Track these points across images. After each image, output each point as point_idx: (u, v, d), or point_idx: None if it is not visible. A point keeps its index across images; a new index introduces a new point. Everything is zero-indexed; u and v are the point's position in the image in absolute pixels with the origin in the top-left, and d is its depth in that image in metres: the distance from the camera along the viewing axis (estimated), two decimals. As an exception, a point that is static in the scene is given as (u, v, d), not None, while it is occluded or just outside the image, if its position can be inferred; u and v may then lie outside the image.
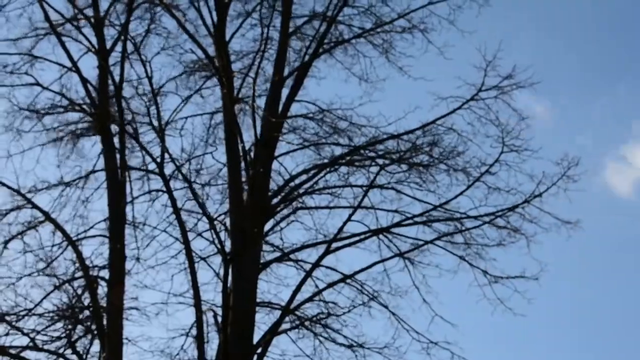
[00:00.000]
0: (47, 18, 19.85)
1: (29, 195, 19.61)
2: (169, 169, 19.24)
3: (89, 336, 19.10)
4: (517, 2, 28.74)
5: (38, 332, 18.92)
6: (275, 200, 19.47)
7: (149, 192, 19.97)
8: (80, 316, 19.21)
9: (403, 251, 19.47)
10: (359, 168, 19.84)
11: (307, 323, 19.13)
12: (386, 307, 19.36)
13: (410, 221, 19.44)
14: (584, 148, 30.45)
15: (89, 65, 20.12)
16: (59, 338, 19.01)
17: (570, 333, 29.90)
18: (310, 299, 19.13)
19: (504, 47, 19.48)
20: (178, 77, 20.57)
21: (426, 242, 19.41)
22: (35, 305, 19.08)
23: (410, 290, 19.47)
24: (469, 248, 19.43)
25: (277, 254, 19.59)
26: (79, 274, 19.26)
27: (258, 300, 18.88)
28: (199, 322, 18.23)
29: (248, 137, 19.63)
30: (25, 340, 18.86)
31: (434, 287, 19.48)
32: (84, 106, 20.10)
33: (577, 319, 30.22)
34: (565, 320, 29.68)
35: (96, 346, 18.93)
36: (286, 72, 20.13)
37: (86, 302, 19.23)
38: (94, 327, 18.85)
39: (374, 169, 19.63)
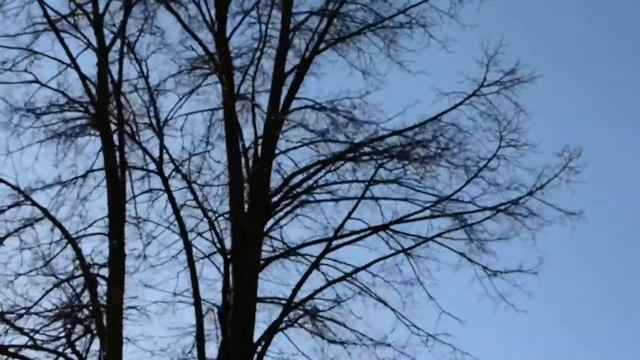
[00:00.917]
0: (45, 14, 19.75)
1: (27, 193, 19.51)
2: (169, 168, 19.21)
3: (89, 335, 18.99)
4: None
5: (37, 331, 18.81)
6: (275, 198, 19.40)
7: (149, 190, 19.88)
8: (80, 315, 19.09)
9: (405, 247, 19.37)
10: (360, 164, 19.73)
11: (308, 320, 19.03)
12: (387, 304, 19.30)
13: (410, 217, 19.34)
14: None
15: (88, 62, 20.02)
16: (58, 337, 18.91)
17: (574, 326, 29.85)
18: (311, 297, 19.08)
19: (505, 42, 19.46)
20: (177, 75, 20.43)
21: (427, 239, 19.33)
22: (34, 304, 18.97)
23: (412, 287, 19.43)
24: (471, 243, 19.35)
25: (278, 252, 19.48)
26: (79, 272, 19.15)
27: (260, 296, 18.80)
28: (199, 321, 18.20)
29: (248, 134, 19.61)
30: (24, 339, 18.78)
31: (436, 283, 19.46)
32: (83, 104, 19.99)
33: (579, 312, 30.16)
34: (569, 314, 29.59)
35: (96, 345, 18.86)
36: (287, 68, 20.04)
37: (85, 300, 19.12)
38: (93, 326, 18.76)
39: (375, 165, 19.53)
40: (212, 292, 19.14)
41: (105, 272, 18.97)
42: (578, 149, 19.48)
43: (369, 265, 19.27)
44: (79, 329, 19.06)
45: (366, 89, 20.24)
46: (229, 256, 18.53)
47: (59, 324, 18.95)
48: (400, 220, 19.35)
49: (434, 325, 19.23)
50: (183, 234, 18.59)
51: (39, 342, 18.77)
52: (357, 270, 19.22)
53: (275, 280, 19.45)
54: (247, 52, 20.46)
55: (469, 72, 19.65)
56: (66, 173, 20.03)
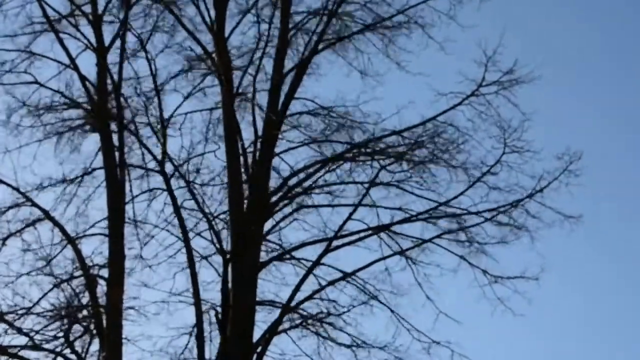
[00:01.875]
0: (45, 14, 19.75)
1: (28, 193, 19.51)
2: (169, 167, 19.21)
3: (88, 335, 19.03)
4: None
5: (37, 332, 18.87)
6: (274, 198, 19.40)
7: (149, 190, 19.87)
8: (80, 315, 19.15)
9: (404, 249, 19.39)
10: (359, 164, 19.75)
11: (307, 321, 19.07)
12: (387, 305, 19.31)
13: (411, 219, 19.36)
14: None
15: (88, 63, 20.03)
16: (57, 337, 18.94)
17: (571, 331, 29.87)
18: (310, 297, 19.10)
19: (504, 42, 19.46)
20: (177, 75, 20.43)
21: (426, 240, 19.34)
22: (34, 304, 19.02)
23: (411, 289, 19.44)
24: (471, 246, 19.36)
25: (277, 253, 19.49)
26: (78, 272, 19.19)
27: (258, 299, 18.84)
28: (199, 321, 18.24)
29: (248, 134, 19.62)
30: (24, 340, 18.86)
31: (435, 286, 19.46)
32: (83, 104, 19.99)
33: (580, 315, 30.17)
34: (569, 317, 29.62)
35: (95, 345, 18.92)
36: (286, 68, 20.05)
37: (85, 301, 19.15)
38: (93, 326, 18.80)
39: (375, 166, 19.55)
40: (210, 292, 19.17)
41: (105, 272, 19.01)
42: (578, 152, 19.54)
43: (367, 266, 19.28)
44: (78, 329, 19.15)
45: (365, 89, 20.30)
46: (228, 256, 18.53)
47: (58, 324, 19.01)
48: (400, 222, 19.36)
49: (431, 327, 19.32)
50: (184, 233, 18.60)
51: (38, 343, 18.82)
52: (356, 271, 19.23)
53: (274, 281, 19.50)
54: (247, 52, 20.49)
55: (467, 72, 19.70)
56: (66, 173, 20.09)
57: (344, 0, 20.21)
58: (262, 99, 19.88)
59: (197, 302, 18.32)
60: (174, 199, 18.87)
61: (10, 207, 19.51)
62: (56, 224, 19.30)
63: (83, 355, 18.86)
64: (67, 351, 18.81)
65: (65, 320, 18.90)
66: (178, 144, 20.07)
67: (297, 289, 18.76)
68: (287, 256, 19.44)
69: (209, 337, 18.50)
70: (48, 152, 20.08)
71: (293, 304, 18.81)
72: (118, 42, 19.89)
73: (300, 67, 19.98)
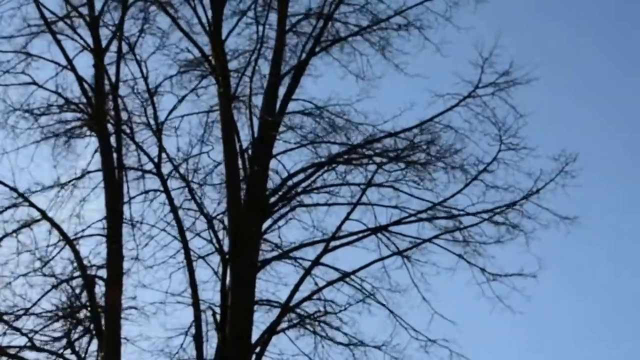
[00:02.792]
0: (42, 16, 19.77)
1: (25, 194, 19.53)
2: (166, 168, 19.26)
3: (88, 336, 19.06)
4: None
5: (36, 332, 18.88)
6: (273, 199, 19.46)
7: (146, 192, 19.87)
8: (78, 316, 19.17)
9: (401, 249, 19.46)
10: (357, 166, 19.82)
11: (305, 321, 19.11)
12: (385, 305, 19.38)
13: (408, 219, 19.44)
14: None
15: (85, 64, 20.05)
16: (57, 338, 18.97)
17: (569, 330, 29.92)
18: (309, 297, 19.17)
19: (500, 44, 19.55)
20: (173, 76, 20.46)
21: (424, 240, 19.42)
22: (33, 305, 19.00)
23: (409, 289, 19.49)
24: (468, 246, 19.44)
25: (276, 253, 19.55)
26: (77, 273, 19.17)
27: (256, 299, 18.86)
28: (197, 322, 18.30)
29: (245, 135, 19.67)
30: (23, 340, 18.86)
31: (432, 285, 19.54)
32: (80, 105, 20.02)
33: (576, 315, 30.22)
34: (565, 317, 29.69)
35: (95, 345, 18.92)
36: (283, 70, 20.10)
37: (84, 301, 19.16)
38: (92, 326, 18.81)
39: (372, 167, 19.64)
40: (207, 292, 19.21)
41: (103, 273, 19.00)
42: (574, 154, 19.65)
43: (366, 266, 19.35)
44: (77, 329, 19.15)
45: (362, 91, 20.36)
46: (227, 256, 18.57)
47: (57, 324, 19.05)
48: (398, 222, 19.42)
49: (428, 326, 19.39)
50: (181, 234, 18.63)
51: (37, 343, 18.84)
52: (355, 271, 19.29)
53: (273, 281, 19.54)
54: (244, 53, 20.55)
55: (464, 74, 19.81)
56: (64, 174, 20.10)
57: (341, 2, 20.28)
58: (260, 100, 19.97)
59: (196, 302, 18.36)
60: (171, 199, 18.91)
61: (7, 208, 19.51)
62: (54, 224, 19.30)
63: (83, 355, 18.88)
64: (67, 352, 18.84)
65: (65, 321, 18.92)
66: (175, 145, 20.17)
67: (296, 288, 18.82)
68: (286, 256, 19.47)
69: (206, 337, 18.54)
70: (46, 154, 20.12)
71: (292, 303, 18.84)
72: (115, 44, 19.94)
73: (297, 69, 20.04)
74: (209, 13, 19.91)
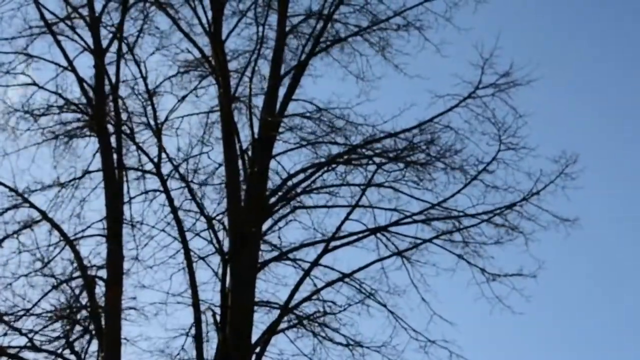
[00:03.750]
0: (42, 17, 19.81)
1: (25, 195, 19.56)
2: (166, 168, 19.28)
3: (88, 336, 19.09)
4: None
5: (36, 332, 18.92)
6: (272, 200, 19.47)
7: (146, 192, 19.90)
8: (79, 316, 19.21)
9: (401, 250, 19.47)
10: (357, 167, 19.83)
11: (305, 322, 19.12)
12: (384, 305, 19.37)
13: (408, 220, 19.45)
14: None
15: (85, 65, 20.09)
16: (57, 338, 19.01)
17: (568, 331, 29.95)
18: (308, 298, 19.14)
19: (501, 44, 19.56)
20: (173, 77, 20.50)
21: (424, 241, 19.42)
22: (33, 305, 19.05)
23: (408, 289, 19.51)
24: (467, 246, 19.45)
25: (275, 254, 19.56)
26: (77, 273, 19.22)
27: (256, 299, 18.89)
28: (197, 322, 18.28)
29: (245, 136, 19.69)
30: (23, 341, 18.89)
31: (432, 286, 19.53)
32: (80, 106, 20.05)
33: (575, 316, 30.25)
34: (564, 318, 29.71)
35: (94, 346, 18.97)
36: (283, 70, 20.12)
37: (84, 302, 19.20)
38: (92, 327, 18.83)
39: (372, 168, 19.65)
40: (207, 293, 19.23)
41: (103, 273, 19.04)
42: (574, 155, 19.62)
43: (365, 267, 19.36)
44: (77, 330, 19.20)
45: (361, 92, 20.39)
46: (227, 256, 18.58)
47: (57, 325, 19.10)
48: (398, 222, 19.44)
49: (428, 327, 19.38)
50: (181, 234, 18.66)
51: (37, 343, 18.86)
52: (355, 272, 19.29)
53: (273, 281, 19.57)
54: (244, 54, 20.58)
55: (464, 75, 19.78)
56: (64, 175, 20.12)
57: (341, 2, 20.30)
58: (260, 100, 20.01)
59: (196, 302, 18.36)
60: (171, 200, 18.93)
61: (8, 209, 19.54)
62: (54, 225, 19.33)
63: (82, 356, 18.92)
64: (66, 352, 18.87)
65: (65, 321, 18.95)
66: (175, 146, 20.21)
67: (295, 289, 18.81)
68: (286, 257, 19.48)
69: (206, 337, 18.55)
70: (46, 155, 20.16)
71: (292, 304, 18.86)
72: (115, 44, 19.97)
73: (297, 69, 20.06)
74: (209, 13, 19.91)
